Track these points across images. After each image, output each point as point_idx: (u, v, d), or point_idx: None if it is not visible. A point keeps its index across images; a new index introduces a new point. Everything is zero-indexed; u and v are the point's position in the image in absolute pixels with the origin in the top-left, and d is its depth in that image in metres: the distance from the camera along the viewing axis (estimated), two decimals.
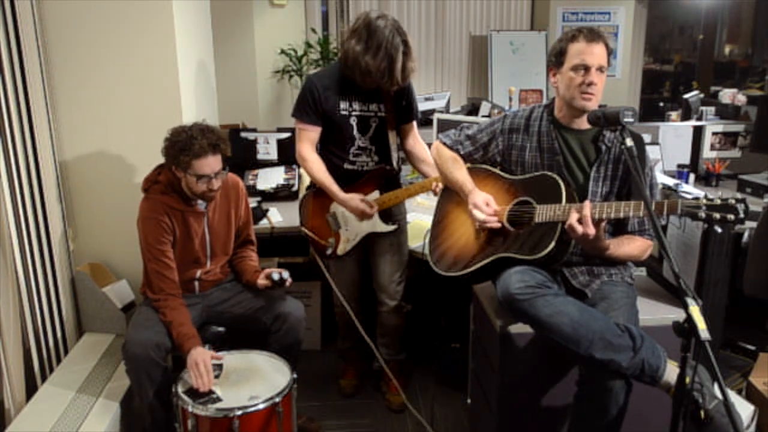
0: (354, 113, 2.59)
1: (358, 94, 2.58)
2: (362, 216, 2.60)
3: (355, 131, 2.60)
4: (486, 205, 2.08)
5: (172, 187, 2.32)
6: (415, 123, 2.76)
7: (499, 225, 2.06)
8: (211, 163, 2.21)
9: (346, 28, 2.53)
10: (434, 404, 2.82)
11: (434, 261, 2.24)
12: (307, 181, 2.89)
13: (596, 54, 1.94)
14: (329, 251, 2.67)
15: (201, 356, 2.12)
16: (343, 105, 2.57)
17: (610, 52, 2.00)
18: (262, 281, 2.40)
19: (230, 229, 2.48)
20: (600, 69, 1.95)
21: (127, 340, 2.19)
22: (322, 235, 2.70)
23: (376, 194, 2.63)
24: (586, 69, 1.95)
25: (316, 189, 2.71)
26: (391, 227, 2.65)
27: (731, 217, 1.62)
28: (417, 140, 2.77)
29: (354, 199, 2.58)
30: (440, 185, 2.46)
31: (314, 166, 2.61)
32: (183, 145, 2.19)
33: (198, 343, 2.18)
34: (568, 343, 1.81)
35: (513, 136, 2.15)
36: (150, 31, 2.71)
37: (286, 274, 2.36)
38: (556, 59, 2.03)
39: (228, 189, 2.45)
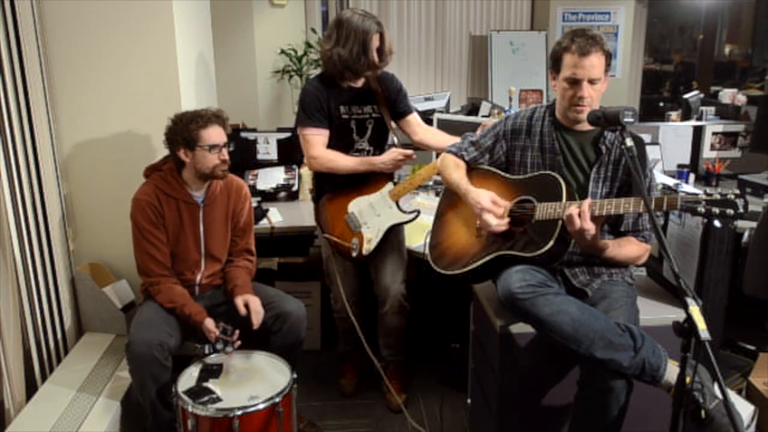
0: (353, 117, 2.62)
1: (352, 98, 2.61)
2: (399, 165, 2.58)
3: (354, 134, 2.64)
4: (493, 203, 2.06)
5: (172, 176, 2.36)
6: (415, 114, 2.75)
7: (506, 228, 2.05)
8: (219, 133, 2.33)
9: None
10: (434, 404, 2.82)
11: (434, 259, 2.24)
12: (307, 182, 2.88)
13: (587, 67, 1.92)
14: (354, 253, 2.65)
15: (211, 324, 2.25)
16: (343, 109, 2.61)
17: (609, 57, 1.97)
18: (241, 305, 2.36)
19: (226, 228, 2.48)
20: (592, 81, 1.94)
21: (131, 339, 2.19)
22: (345, 238, 2.67)
23: (390, 186, 2.63)
24: (578, 82, 1.94)
25: (329, 195, 2.70)
26: (411, 215, 2.62)
27: (730, 211, 1.62)
28: (423, 127, 2.76)
29: (389, 153, 2.56)
30: None
31: (333, 157, 2.58)
32: (191, 117, 2.30)
33: (207, 315, 2.28)
34: (568, 343, 1.82)
35: (516, 137, 2.15)
36: (150, 30, 2.71)
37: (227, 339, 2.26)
38: (554, 65, 2.03)
39: (230, 188, 2.46)
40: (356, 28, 2.46)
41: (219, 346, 2.24)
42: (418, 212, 2.66)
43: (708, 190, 1.69)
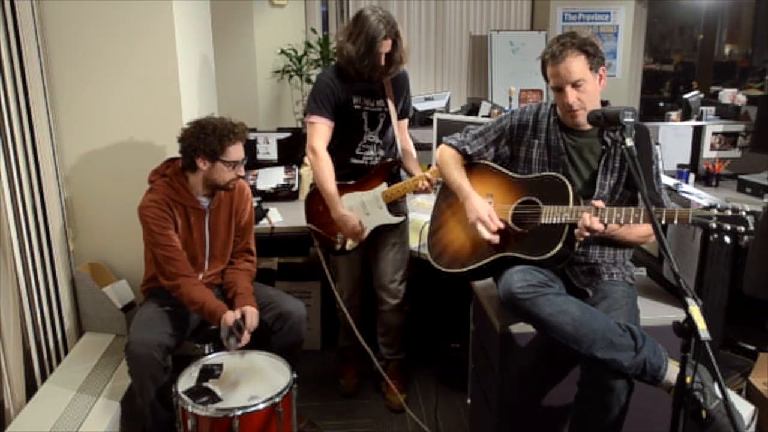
0: (365, 108, 2.63)
1: (365, 91, 2.62)
2: (354, 237, 2.60)
3: (365, 126, 2.65)
4: (490, 218, 2.05)
5: (178, 182, 2.34)
6: (407, 121, 2.81)
7: (497, 241, 2.05)
8: (242, 150, 2.33)
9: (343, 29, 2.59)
10: (434, 404, 2.82)
11: (434, 257, 2.24)
12: (307, 181, 2.89)
13: (563, 73, 1.92)
14: (338, 246, 2.66)
15: (231, 315, 2.23)
16: (356, 99, 2.61)
17: (592, 54, 1.93)
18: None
19: (230, 230, 2.48)
20: (575, 84, 1.93)
21: (131, 340, 2.19)
22: (329, 231, 2.69)
23: (383, 186, 2.64)
24: (561, 89, 1.95)
25: None
26: (399, 219, 2.66)
27: (741, 228, 1.62)
28: (405, 136, 2.81)
29: (352, 219, 2.56)
30: (426, 181, 2.52)
31: (325, 166, 2.56)
32: (222, 130, 2.25)
33: (227, 308, 2.27)
34: (569, 343, 1.81)
35: (521, 133, 2.15)
36: (150, 31, 2.71)
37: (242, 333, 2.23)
38: (544, 76, 2.03)
39: (233, 190, 2.45)
40: (368, 28, 2.45)
41: (224, 333, 2.20)
42: (406, 216, 2.72)
43: (708, 192, 1.68)
